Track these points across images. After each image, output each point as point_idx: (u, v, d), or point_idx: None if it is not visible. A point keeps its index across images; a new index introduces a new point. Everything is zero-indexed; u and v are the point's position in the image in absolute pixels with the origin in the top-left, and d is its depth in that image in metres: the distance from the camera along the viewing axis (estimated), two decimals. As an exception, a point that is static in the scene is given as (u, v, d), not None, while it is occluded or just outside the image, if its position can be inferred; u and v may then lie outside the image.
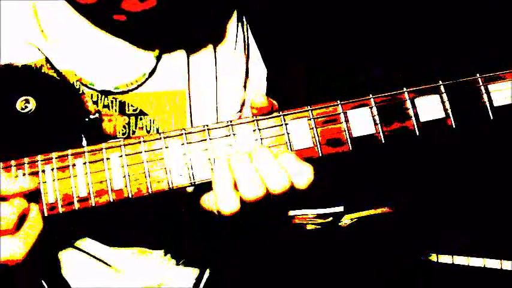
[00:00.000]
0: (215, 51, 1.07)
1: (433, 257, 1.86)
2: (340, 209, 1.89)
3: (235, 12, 1.11)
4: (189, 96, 1.02)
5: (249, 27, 1.15)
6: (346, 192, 1.96)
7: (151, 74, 0.97)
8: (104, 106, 0.92)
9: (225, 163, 0.71)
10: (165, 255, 1.06)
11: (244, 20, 1.14)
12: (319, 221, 1.88)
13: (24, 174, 0.72)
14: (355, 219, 1.90)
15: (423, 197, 2.00)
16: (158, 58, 0.99)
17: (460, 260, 1.81)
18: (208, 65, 1.06)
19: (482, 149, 1.94)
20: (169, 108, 0.99)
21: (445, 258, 1.84)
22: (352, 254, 1.83)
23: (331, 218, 1.90)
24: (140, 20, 0.88)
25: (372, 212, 1.92)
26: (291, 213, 1.90)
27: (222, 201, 0.69)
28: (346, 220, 1.90)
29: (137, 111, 0.95)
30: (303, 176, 0.68)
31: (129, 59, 0.97)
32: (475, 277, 1.78)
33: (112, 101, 0.93)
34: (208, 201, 0.78)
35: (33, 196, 0.72)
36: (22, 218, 0.69)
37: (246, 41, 1.13)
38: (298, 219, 1.90)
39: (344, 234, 1.86)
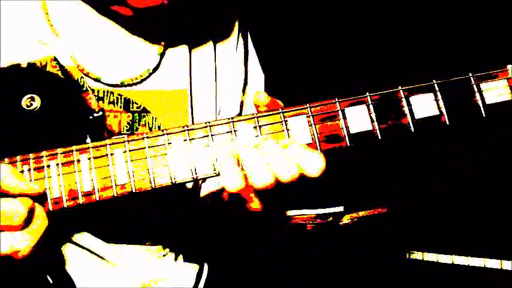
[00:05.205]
0: (215, 49, 1.09)
1: (433, 257, 1.86)
2: (340, 209, 1.89)
3: (237, 21, 1.14)
4: (191, 95, 1.04)
5: (249, 35, 1.17)
6: (345, 192, 1.97)
7: (154, 70, 0.99)
8: (110, 102, 0.94)
9: (229, 155, 0.72)
10: (166, 250, 1.07)
11: (244, 28, 1.16)
12: (319, 221, 1.89)
13: (29, 170, 0.73)
14: (355, 219, 1.91)
15: (422, 196, 2.00)
16: (162, 54, 1.01)
17: (460, 260, 1.82)
18: (208, 61, 1.08)
19: (479, 146, 1.94)
20: (170, 107, 1.00)
21: (444, 258, 1.84)
22: (349, 253, 1.84)
23: (331, 218, 1.90)
24: (146, 14, 0.91)
25: (370, 212, 1.92)
26: (290, 213, 1.91)
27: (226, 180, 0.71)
28: (345, 220, 1.91)
29: (141, 109, 0.97)
30: (314, 164, 0.69)
31: (136, 53, 0.99)
32: (475, 277, 1.78)
33: (117, 98, 0.95)
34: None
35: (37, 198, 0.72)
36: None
37: (246, 48, 1.16)
38: (298, 219, 1.91)
39: (341, 233, 1.87)
